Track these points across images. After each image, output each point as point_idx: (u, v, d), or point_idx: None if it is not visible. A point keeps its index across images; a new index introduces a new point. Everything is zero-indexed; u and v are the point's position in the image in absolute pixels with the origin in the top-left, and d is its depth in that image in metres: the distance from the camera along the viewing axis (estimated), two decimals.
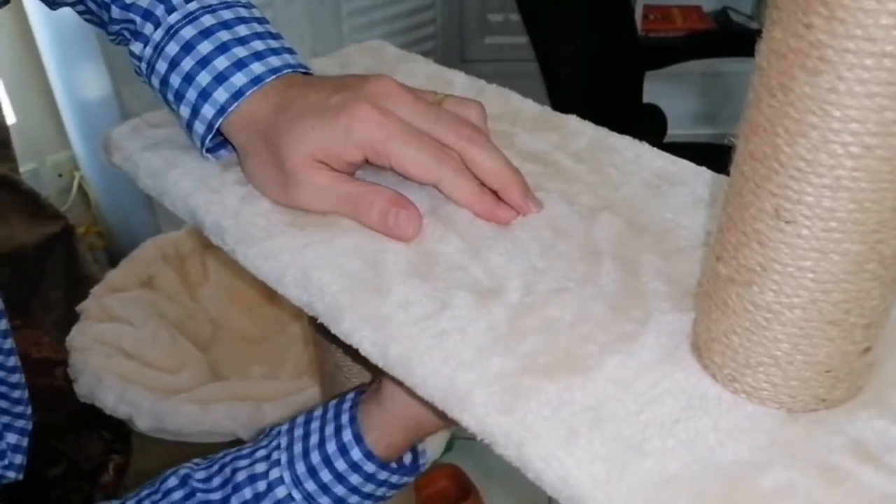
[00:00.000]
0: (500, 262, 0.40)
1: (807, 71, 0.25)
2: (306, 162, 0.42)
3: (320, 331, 0.59)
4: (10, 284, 1.19)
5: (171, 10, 0.46)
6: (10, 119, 1.48)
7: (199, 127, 0.46)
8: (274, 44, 0.47)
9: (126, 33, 0.49)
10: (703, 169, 0.46)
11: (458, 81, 0.58)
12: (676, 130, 1.69)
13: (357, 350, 0.38)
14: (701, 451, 0.30)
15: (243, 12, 0.47)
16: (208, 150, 0.48)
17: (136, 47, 0.47)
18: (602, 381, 0.33)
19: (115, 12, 0.48)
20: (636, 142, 0.49)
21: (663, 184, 0.45)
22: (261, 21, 0.48)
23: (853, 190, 0.26)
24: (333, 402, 0.49)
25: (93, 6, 0.50)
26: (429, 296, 0.38)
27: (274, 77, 0.45)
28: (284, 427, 0.48)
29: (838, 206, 0.26)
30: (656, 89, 1.68)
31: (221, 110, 0.45)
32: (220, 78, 0.45)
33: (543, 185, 0.45)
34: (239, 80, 0.45)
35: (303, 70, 0.47)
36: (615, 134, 0.50)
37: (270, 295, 1.01)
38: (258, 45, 0.46)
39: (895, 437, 0.30)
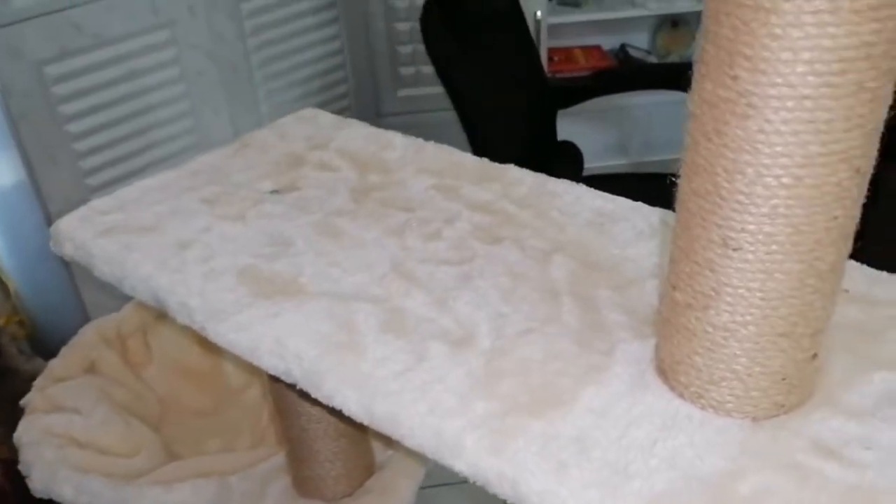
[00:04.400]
0: (467, 310, 0.42)
1: (737, 116, 0.28)
2: None
3: (284, 395, 0.60)
4: None
5: None
6: None
7: None
8: None
9: None
10: (640, 204, 0.50)
11: (397, 141, 0.60)
12: (591, 164, 1.76)
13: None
14: (682, 467, 0.32)
15: None
16: None
17: None
18: (581, 412, 0.35)
19: None
20: (573, 184, 0.52)
21: (605, 221, 0.48)
22: None
23: (789, 216, 0.29)
24: None
25: None
26: (403, 350, 0.39)
27: None
28: None
29: (777, 231, 0.30)
30: (567, 127, 1.75)
31: None
32: None
33: (495, 233, 0.48)
34: None
35: None
36: (553, 178, 0.53)
37: (216, 367, 1.00)
38: None
39: (849, 432, 0.33)
